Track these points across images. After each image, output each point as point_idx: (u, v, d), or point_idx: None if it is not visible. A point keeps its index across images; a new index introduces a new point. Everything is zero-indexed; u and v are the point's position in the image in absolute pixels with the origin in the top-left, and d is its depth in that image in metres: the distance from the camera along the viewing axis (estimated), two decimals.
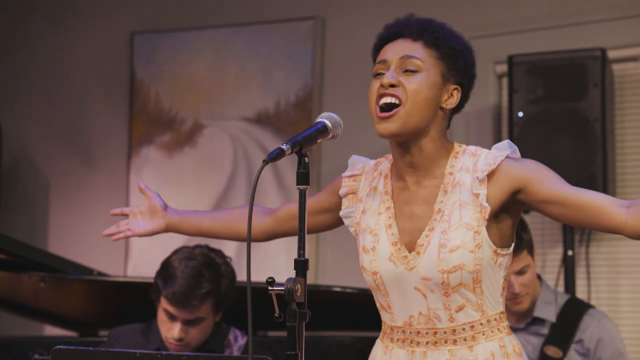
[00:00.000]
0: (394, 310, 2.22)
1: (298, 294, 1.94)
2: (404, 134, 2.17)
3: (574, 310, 3.35)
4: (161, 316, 3.08)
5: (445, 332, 2.17)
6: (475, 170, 2.18)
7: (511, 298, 3.28)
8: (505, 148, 2.21)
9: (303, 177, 2.02)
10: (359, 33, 4.68)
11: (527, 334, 3.33)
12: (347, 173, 2.35)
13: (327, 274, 4.65)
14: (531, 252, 3.29)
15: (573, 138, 3.93)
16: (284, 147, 1.99)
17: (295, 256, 2.00)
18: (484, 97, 4.47)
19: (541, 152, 3.95)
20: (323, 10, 4.86)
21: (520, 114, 4.02)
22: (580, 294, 4.10)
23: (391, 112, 2.16)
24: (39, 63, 5.48)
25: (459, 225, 2.15)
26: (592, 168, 3.89)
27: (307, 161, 2.03)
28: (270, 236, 2.52)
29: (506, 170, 2.16)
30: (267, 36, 4.95)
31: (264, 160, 1.95)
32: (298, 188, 2.02)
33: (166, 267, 3.09)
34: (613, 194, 4.08)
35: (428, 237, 2.17)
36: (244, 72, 5.00)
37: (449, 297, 2.15)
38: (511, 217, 2.20)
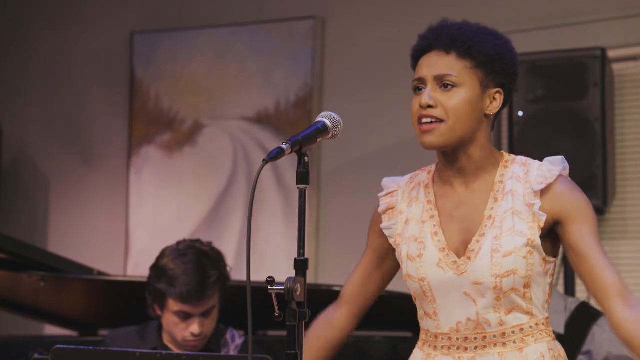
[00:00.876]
0: (440, 317, 2.20)
1: (298, 294, 1.94)
2: (449, 145, 2.17)
3: (584, 320, 3.31)
4: (172, 319, 3.06)
5: (494, 336, 2.16)
6: (528, 180, 2.18)
7: None
8: (558, 163, 2.20)
9: (303, 177, 2.02)
10: (359, 33, 4.67)
11: None
12: (383, 193, 2.33)
13: (327, 273, 4.64)
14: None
15: (573, 138, 3.93)
16: (283, 146, 1.99)
17: (295, 255, 2.00)
18: None
19: (541, 152, 3.92)
20: (323, 10, 4.86)
21: (520, 113, 4.02)
22: (580, 293, 4.10)
23: (432, 126, 2.15)
24: (39, 63, 5.48)
25: (511, 232, 2.14)
26: (592, 168, 3.89)
27: (307, 161, 2.03)
28: (357, 318, 2.41)
29: (560, 193, 2.17)
30: (267, 36, 4.95)
31: (264, 160, 1.95)
32: (298, 187, 2.02)
33: (163, 272, 3.07)
34: (613, 194, 4.08)
35: (479, 243, 2.16)
36: (244, 71, 5.00)
37: (499, 301, 2.15)
38: (556, 229, 2.21)
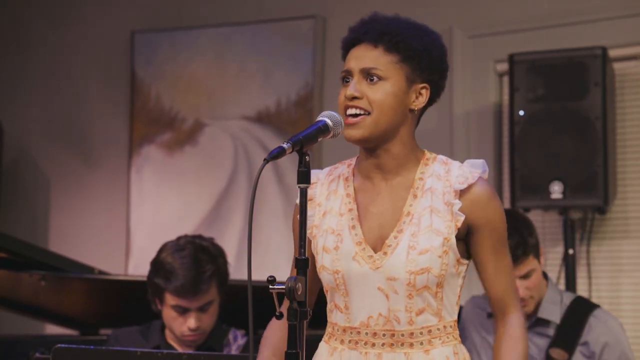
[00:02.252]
0: (352, 311, 2.19)
1: (299, 293, 1.95)
2: (372, 139, 2.18)
3: (580, 311, 3.32)
4: (170, 314, 3.09)
5: (402, 335, 2.16)
6: (448, 179, 2.19)
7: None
8: (479, 166, 2.21)
9: (304, 176, 2.02)
10: None
11: (531, 334, 3.29)
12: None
13: None
14: (537, 256, 3.25)
15: (574, 137, 3.93)
16: (284, 145, 1.99)
17: (296, 255, 2.00)
18: (484, 96, 4.47)
19: (542, 151, 3.96)
20: (324, 9, 4.86)
21: (521, 112, 4.02)
22: (581, 292, 4.10)
23: (357, 119, 2.16)
24: (39, 62, 5.48)
25: (429, 230, 2.15)
26: (592, 167, 3.89)
27: (307, 160, 2.03)
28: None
29: (477, 198, 2.19)
30: (268, 35, 4.95)
31: (264, 159, 1.95)
32: (299, 187, 2.02)
33: (161, 266, 3.10)
34: (614, 193, 4.08)
35: (397, 239, 2.16)
36: (244, 71, 5.00)
37: (411, 299, 2.15)
38: (469, 233, 2.22)
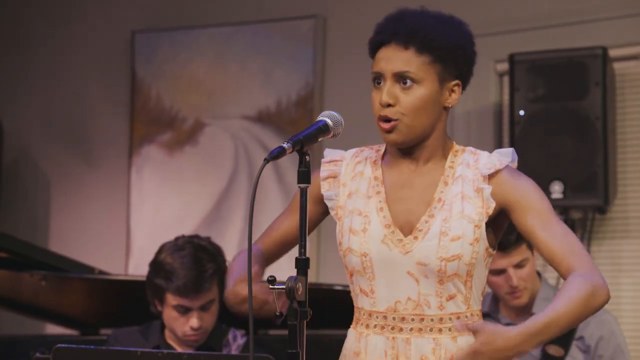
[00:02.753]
0: (377, 295, 2.18)
1: (299, 293, 1.95)
2: (410, 141, 2.18)
3: None
4: (172, 314, 3.09)
5: (432, 320, 2.15)
6: (477, 167, 2.18)
7: (510, 292, 3.28)
8: (508, 155, 2.20)
9: (304, 176, 2.02)
10: (360, 32, 4.64)
11: None
12: (326, 159, 2.33)
13: (329, 272, 4.64)
14: (530, 247, 3.29)
15: (574, 137, 3.93)
16: (285, 145, 1.99)
17: (297, 255, 2.01)
18: (484, 96, 4.47)
19: (542, 151, 3.96)
20: (324, 9, 4.86)
21: (521, 112, 4.02)
22: None
23: (392, 124, 2.16)
24: (39, 62, 5.48)
25: (460, 216, 2.14)
26: (593, 167, 3.89)
27: (308, 160, 2.04)
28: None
29: (504, 182, 2.17)
30: (268, 35, 4.95)
31: (265, 159, 1.96)
32: (299, 186, 2.03)
33: (161, 266, 3.10)
34: (614, 193, 4.08)
35: (428, 223, 2.15)
36: (245, 70, 5.00)
37: (442, 284, 2.14)
38: (501, 220, 2.21)
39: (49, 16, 5.49)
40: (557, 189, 3.91)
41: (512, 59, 4.08)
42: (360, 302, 2.22)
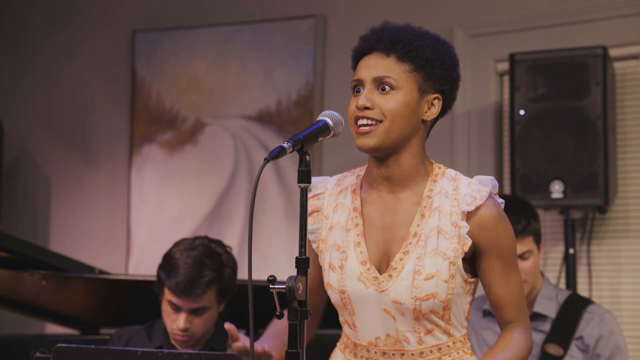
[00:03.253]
0: (359, 329, 2.20)
1: (299, 292, 1.94)
2: (384, 148, 2.15)
3: (574, 307, 3.35)
4: (166, 308, 3.10)
5: (412, 354, 2.16)
6: (456, 197, 2.16)
7: None
8: (488, 183, 2.18)
9: (304, 176, 2.02)
10: (360, 31, 4.64)
11: None
12: (310, 194, 2.30)
13: None
14: (537, 242, 3.29)
15: (574, 136, 3.93)
16: (285, 145, 1.99)
17: (297, 254, 2.00)
18: (485, 96, 4.47)
19: (542, 151, 3.96)
20: (324, 9, 4.86)
21: (522, 112, 4.02)
22: (582, 292, 4.10)
23: (368, 128, 2.14)
24: (40, 62, 5.48)
25: (435, 253, 2.13)
26: (593, 166, 3.89)
27: (308, 159, 2.03)
28: (318, 323, 2.41)
29: (482, 224, 2.15)
30: (269, 34, 4.95)
31: (265, 159, 1.95)
32: (299, 186, 2.02)
33: (168, 259, 3.11)
34: (614, 192, 4.08)
35: (402, 261, 2.14)
36: (245, 70, 5.00)
37: (419, 321, 2.14)
38: (476, 254, 2.20)
39: (49, 16, 5.49)
40: (557, 189, 3.91)
41: (512, 58, 4.08)
42: (347, 331, 2.24)
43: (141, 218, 5.11)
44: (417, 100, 2.16)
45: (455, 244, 2.13)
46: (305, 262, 1.98)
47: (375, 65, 2.18)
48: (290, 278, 1.95)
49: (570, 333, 3.29)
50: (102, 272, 3.91)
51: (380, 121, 2.13)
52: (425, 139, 2.22)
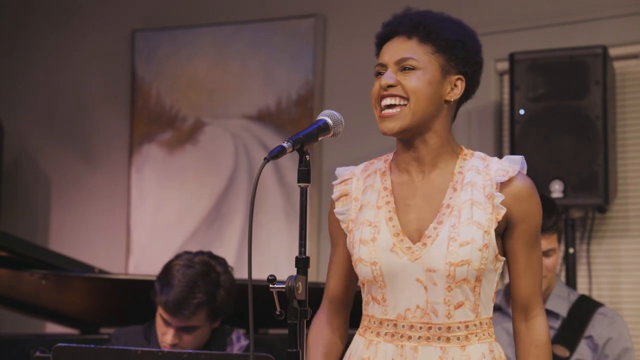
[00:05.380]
0: (389, 303, 2.18)
1: (299, 292, 1.94)
2: (407, 131, 2.17)
3: (586, 307, 3.35)
4: (158, 320, 3.10)
5: (440, 329, 2.15)
6: (488, 173, 2.18)
7: None
8: (518, 162, 2.21)
9: (304, 175, 2.02)
10: (361, 31, 4.67)
11: None
12: (337, 181, 2.32)
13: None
14: (559, 240, 3.30)
15: (574, 136, 3.93)
16: (285, 144, 1.99)
17: (297, 254, 2.00)
18: (485, 95, 4.47)
19: (542, 150, 3.96)
20: (324, 8, 4.86)
21: (522, 111, 4.02)
22: (582, 291, 4.11)
23: (393, 111, 2.15)
24: (40, 61, 5.48)
25: (469, 222, 2.14)
26: (593, 166, 3.89)
27: (308, 159, 2.03)
28: (348, 316, 2.40)
29: (517, 194, 2.18)
30: (269, 34, 4.95)
31: (265, 158, 1.95)
32: (299, 186, 2.02)
33: (166, 273, 3.09)
34: (614, 192, 4.08)
35: (436, 230, 2.15)
36: (245, 69, 5.00)
37: (450, 291, 2.13)
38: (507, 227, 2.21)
39: (49, 15, 5.49)
40: (557, 188, 3.91)
41: (512, 57, 4.08)
42: (371, 310, 2.22)
43: (141, 218, 5.11)
44: (439, 80, 2.18)
45: (489, 214, 2.15)
46: (305, 262, 1.98)
47: (397, 48, 2.20)
48: (290, 278, 1.95)
49: (579, 333, 3.29)
50: (102, 271, 3.91)
51: (406, 100, 2.15)
52: (452, 121, 2.25)
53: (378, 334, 2.20)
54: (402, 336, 2.16)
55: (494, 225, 2.15)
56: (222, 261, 3.14)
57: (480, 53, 2.25)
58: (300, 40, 4.87)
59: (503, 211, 2.15)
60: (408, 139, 2.20)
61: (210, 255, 3.14)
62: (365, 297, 2.24)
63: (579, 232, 4.20)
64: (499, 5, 4.49)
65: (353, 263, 2.24)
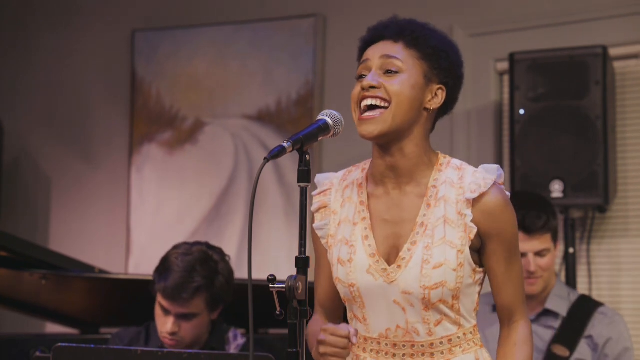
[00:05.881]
0: (370, 322, 2.19)
1: (299, 292, 1.94)
2: (387, 135, 2.15)
3: (586, 307, 3.35)
4: (157, 310, 3.11)
5: (423, 346, 2.15)
6: (461, 186, 2.16)
7: (525, 277, 3.27)
8: (493, 172, 2.18)
9: (304, 175, 2.02)
10: (360, 31, 4.64)
11: (537, 326, 3.33)
12: (316, 192, 2.31)
13: None
14: (554, 239, 3.29)
15: (574, 136, 3.93)
16: (285, 144, 1.98)
17: (297, 254, 2.00)
18: (485, 95, 4.47)
19: (542, 150, 3.96)
20: (324, 8, 4.86)
21: (522, 111, 4.02)
22: (582, 291, 4.10)
23: (373, 114, 2.14)
24: (40, 61, 5.48)
25: (442, 242, 2.13)
26: (593, 166, 3.89)
27: (308, 159, 2.03)
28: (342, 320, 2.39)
29: (487, 211, 2.15)
30: (269, 34, 4.95)
31: (265, 158, 1.95)
32: (299, 186, 2.02)
33: (163, 262, 3.12)
34: (614, 192, 4.08)
35: (410, 252, 2.14)
36: (245, 69, 5.00)
37: (428, 311, 2.14)
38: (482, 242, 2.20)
39: (50, 15, 5.49)
40: (557, 188, 3.91)
41: (512, 57, 4.08)
42: (355, 326, 2.23)
43: (141, 217, 5.11)
44: (422, 86, 2.17)
45: (462, 233, 2.13)
46: (305, 262, 1.98)
47: (383, 48, 2.20)
48: (290, 277, 1.95)
49: (578, 333, 3.29)
50: (102, 271, 3.91)
51: (387, 102, 2.14)
52: (430, 131, 2.23)
53: (364, 349, 2.21)
54: (386, 353, 2.18)
55: (468, 244, 2.13)
56: (219, 251, 3.17)
57: (462, 69, 2.24)
58: (300, 40, 4.87)
59: (475, 230, 2.13)
60: (385, 145, 2.18)
61: (207, 245, 3.17)
62: (348, 313, 2.25)
63: (579, 232, 4.20)
64: (499, 5, 4.49)
65: (334, 280, 2.24)
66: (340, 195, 2.27)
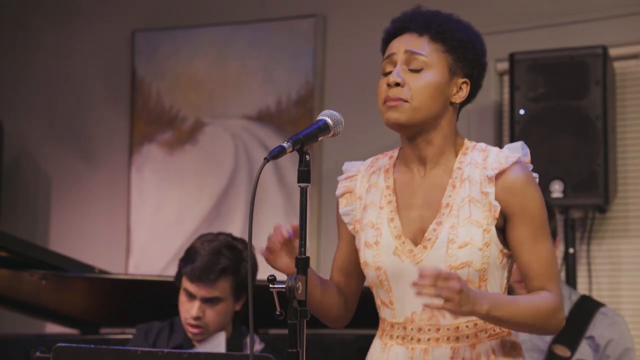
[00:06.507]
0: (396, 306, 2.18)
1: (299, 292, 1.94)
2: (411, 126, 2.16)
3: (587, 307, 3.34)
4: (182, 298, 3.13)
5: (448, 329, 2.14)
6: (485, 166, 2.17)
7: (519, 280, 3.27)
8: (517, 150, 2.19)
9: (304, 175, 2.02)
10: (361, 31, 4.68)
11: None
12: (342, 177, 2.33)
13: (328, 271, 4.63)
14: (553, 238, 3.28)
15: (574, 136, 3.93)
16: (285, 144, 1.99)
17: (297, 254, 2.00)
18: (485, 95, 4.46)
19: (542, 150, 3.95)
20: (324, 8, 4.86)
21: (522, 111, 4.02)
22: (582, 291, 4.10)
23: (397, 102, 2.14)
24: (40, 61, 5.48)
25: (468, 221, 2.12)
26: (593, 166, 3.89)
27: (308, 159, 2.03)
28: (349, 304, 2.36)
29: (509, 186, 2.15)
30: (269, 34, 4.95)
31: (265, 158, 1.95)
32: (299, 186, 2.02)
33: (189, 249, 3.17)
34: (614, 192, 4.08)
35: (436, 232, 2.14)
36: (245, 69, 5.00)
37: None
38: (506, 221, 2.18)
39: (50, 15, 5.49)
40: (557, 188, 3.91)
41: (512, 58, 4.08)
42: (383, 313, 2.23)
43: (141, 218, 5.11)
44: (446, 81, 2.18)
45: (487, 212, 2.13)
46: (305, 262, 1.98)
47: (408, 42, 2.18)
48: (290, 278, 1.95)
49: (580, 333, 3.29)
50: (102, 271, 3.91)
51: (408, 102, 2.14)
52: (456, 120, 2.24)
53: (391, 336, 2.20)
54: (412, 339, 2.16)
55: (493, 222, 2.13)
56: (242, 241, 3.21)
57: (485, 56, 2.25)
58: (300, 40, 4.87)
59: (498, 207, 2.13)
60: (412, 137, 2.19)
61: (231, 236, 3.22)
62: (376, 300, 2.25)
63: (579, 232, 4.20)
64: (499, 5, 4.49)
65: (361, 265, 2.24)
66: (366, 181, 2.28)
